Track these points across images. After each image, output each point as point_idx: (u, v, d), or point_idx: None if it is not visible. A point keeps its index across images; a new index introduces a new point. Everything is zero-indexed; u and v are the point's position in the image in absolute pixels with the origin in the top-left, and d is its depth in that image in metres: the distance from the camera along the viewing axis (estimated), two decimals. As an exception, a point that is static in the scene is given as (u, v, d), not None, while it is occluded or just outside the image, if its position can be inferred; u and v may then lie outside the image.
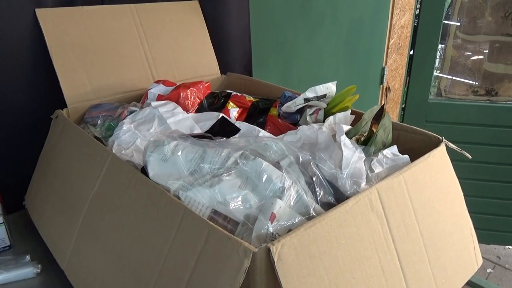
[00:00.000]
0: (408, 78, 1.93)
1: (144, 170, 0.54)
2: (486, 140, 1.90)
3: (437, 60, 1.97)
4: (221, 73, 1.03)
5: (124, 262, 0.51)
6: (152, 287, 0.46)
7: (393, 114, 1.97)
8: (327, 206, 0.49)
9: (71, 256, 0.59)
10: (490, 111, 1.87)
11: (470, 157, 0.67)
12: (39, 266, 0.67)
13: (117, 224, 0.53)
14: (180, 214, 0.45)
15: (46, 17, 0.78)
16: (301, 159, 0.52)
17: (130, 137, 0.63)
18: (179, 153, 0.51)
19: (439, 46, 1.88)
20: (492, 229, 2.02)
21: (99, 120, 0.74)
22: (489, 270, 2.14)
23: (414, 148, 0.64)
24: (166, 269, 0.45)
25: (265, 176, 0.48)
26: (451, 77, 2.10)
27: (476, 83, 2.05)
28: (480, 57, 2.03)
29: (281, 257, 0.40)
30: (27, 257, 0.69)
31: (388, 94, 0.55)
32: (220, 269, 0.40)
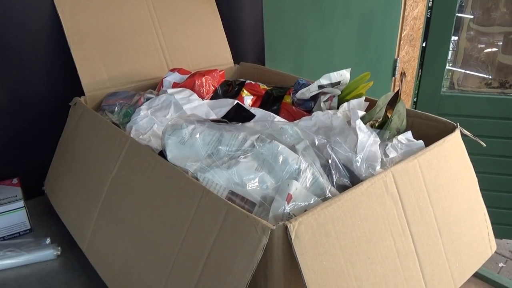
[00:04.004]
0: (420, 70, 1.92)
1: (162, 154, 0.55)
2: (500, 133, 1.88)
3: (450, 52, 1.95)
4: (234, 63, 1.04)
5: (144, 242, 0.52)
6: (172, 264, 0.47)
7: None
8: (342, 189, 0.49)
9: (91, 238, 0.61)
10: (504, 103, 1.85)
11: (485, 145, 0.67)
12: (59, 248, 0.69)
13: (136, 205, 0.54)
14: (199, 194, 0.46)
15: (64, 6, 0.80)
16: (316, 143, 0.53)
17: (148, 122, 0.65)
18: (197, 136, 0.52)
19: (452, 38, 1.86)
20: (505, 223, 2.01)
21: (116, 107, 0.76)
22: (501, 265, 2.13)
23: (428, 135, 0.64)
24: (185, 247, 0.47)
25: (281, 158, 0.49)
26: (463, 70, 2.08)
27: (490, 77, 2.03)
28: (494, 49, 2.00)
29: (298, 235, 0.40)
30: (47, 239, 0.71)
31: (403, 80, 0.56)
32: (238, 246, 0.41)
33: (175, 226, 0.48)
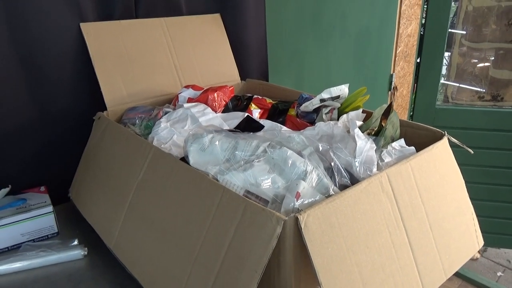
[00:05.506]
0: (415, 84, 2.00)
1: (183, 160, 0.62)
2: (494, 144, 1.94)
3: (444, 67, 2.04)
4: (241, 79, 1.13)
5: (169, 237, 0.59)
6: (196, 255, 0.54)
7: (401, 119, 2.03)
8: (344, 188, 0.56)
9: (119, 236, 0.68)
10: (497, 116, 1.93)
11: (472, 152, 0.75)
12: (86, 249, 0.76)
13: (162, 205, 0.61)
14: (220, 193, 0.53)
15: (89, 30, 0.88)
16: (320, 149, 0.60)
17: (168, 133, 0.72)
18: (216, 143, 0.59)
19: (445, 53, 1.96)
20: (502, 232, 2.05)
21: (136, 121, 0.83)
22: (499, 274, 2.17)
23: (420, 142, 0.72)
24: (207, 239, 0.53)
25: (290, 162, 0.56)
26: (457, 84, 2.16)
27: (483, 90, 2.11)
28: (486, 64, 2.09)
29: (307, 225, 0.47)
30: (75, 241, 0.77)
31: (395, 93, 0.63)
32: (255, 235, 0.48)
33: (199, 221, 0.55)
